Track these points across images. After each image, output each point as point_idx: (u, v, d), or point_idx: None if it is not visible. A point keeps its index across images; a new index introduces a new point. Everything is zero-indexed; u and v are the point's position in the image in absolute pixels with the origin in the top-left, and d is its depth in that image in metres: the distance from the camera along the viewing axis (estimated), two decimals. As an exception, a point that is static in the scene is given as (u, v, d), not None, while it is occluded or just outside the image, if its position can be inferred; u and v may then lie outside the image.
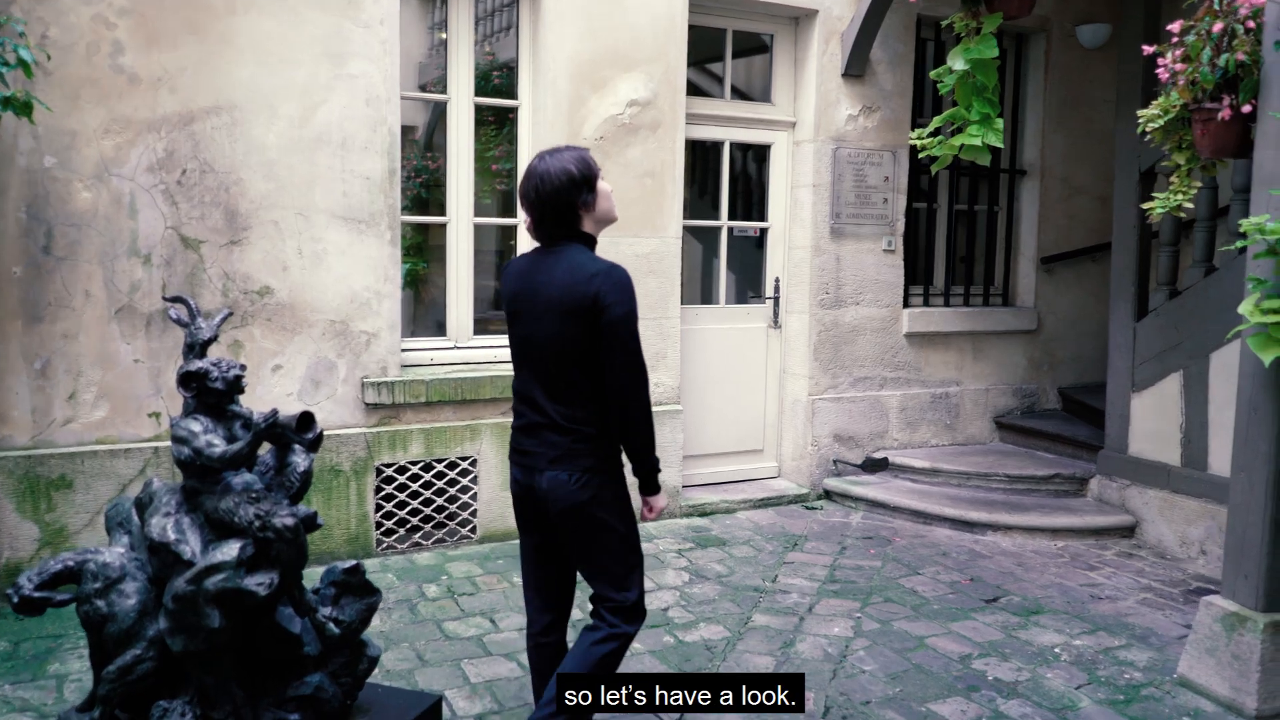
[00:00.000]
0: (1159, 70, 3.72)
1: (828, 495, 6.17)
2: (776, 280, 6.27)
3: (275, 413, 2.59)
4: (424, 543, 5.06)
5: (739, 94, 6.27)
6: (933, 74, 4.70)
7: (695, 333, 6.01)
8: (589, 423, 2.70)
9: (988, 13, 4.58)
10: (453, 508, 5.12)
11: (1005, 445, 6.65)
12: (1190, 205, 3.75)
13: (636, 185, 5.49)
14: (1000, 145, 4.51)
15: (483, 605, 4.35)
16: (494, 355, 5.32)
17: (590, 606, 2.87)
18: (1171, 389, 5.32)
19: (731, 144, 6.10)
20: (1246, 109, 3.43)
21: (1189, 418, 5.22)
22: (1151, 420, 5.44)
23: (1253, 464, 3.48)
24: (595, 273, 2.65)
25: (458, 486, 5.12)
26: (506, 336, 3.13)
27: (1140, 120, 3.82)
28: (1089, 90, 6.92)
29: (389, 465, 4.92)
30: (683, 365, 5.82)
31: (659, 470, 2.82)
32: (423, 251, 5.77)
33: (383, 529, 4.96)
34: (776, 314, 6.27)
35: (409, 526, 5.05)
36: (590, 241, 2.81)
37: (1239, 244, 3.36)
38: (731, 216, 6.20)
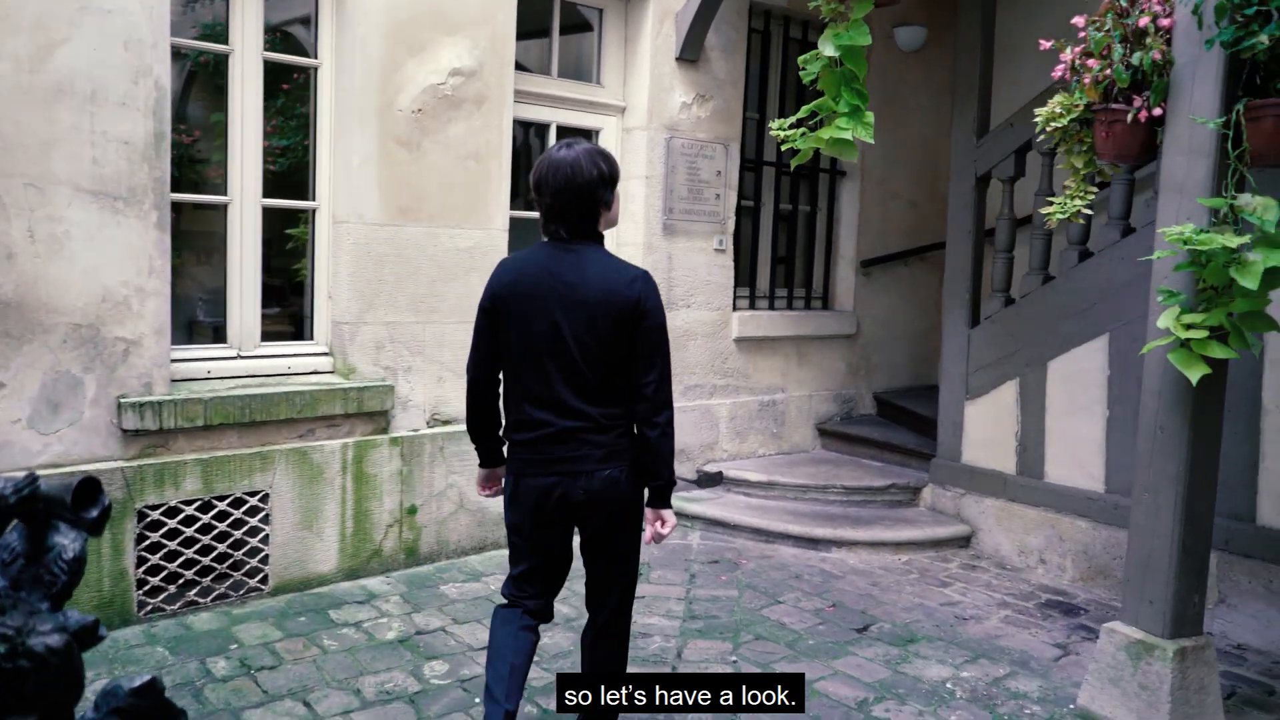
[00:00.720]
0: (1057, 69, 3.51)
1: (660, 514, 5.70)
2: (604, 280, 5.72)
3: (34, 480, 1.71)
4: (202, 600, 4.07)
5: (566, 74, 5.66)
6: (801, 59, 4.31)
7: (519, 338, 5.35)
8: (624, 418, 2.72)
9: (857, -3, 4.26)
10: (239, 555, 4.17)
11: (830, 453, 6.47)
12: (1089, 211, 3.57)
13: (459, 169, 4.75)
14: (870, 140, 4.20)
15: (291, 682, 3.49)
16: (288, 365, 4.40)
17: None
18: (1007, 397, 5.29)
19: (558, 127, 5.47)
20: (1157, 112, 3.27)
21: (1025, 426, 5.20)
22: (986, 428, 5.39)
23: (1159, 485, 3.33)
24: (635, 277, 2.68)
25: (245, 529, 4.17)
26: (475, 337, 2.85)
27: (1038, 118, 3.59)
28: (904, 93, 6.89)
29: (155, 507, 3.90)
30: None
31: (675, 483, 2.85)
32: (176, 239, 4.71)
33: (147, 587, 3.93)
34: (604, 317, 5.72)
35: (182, 582, 4.04)
36: (602, 241, 2.78)
37: (1159, 254, 3.19)
38: (556, 208, 5.58)
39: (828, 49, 4.23)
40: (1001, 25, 5.82)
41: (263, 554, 4.21)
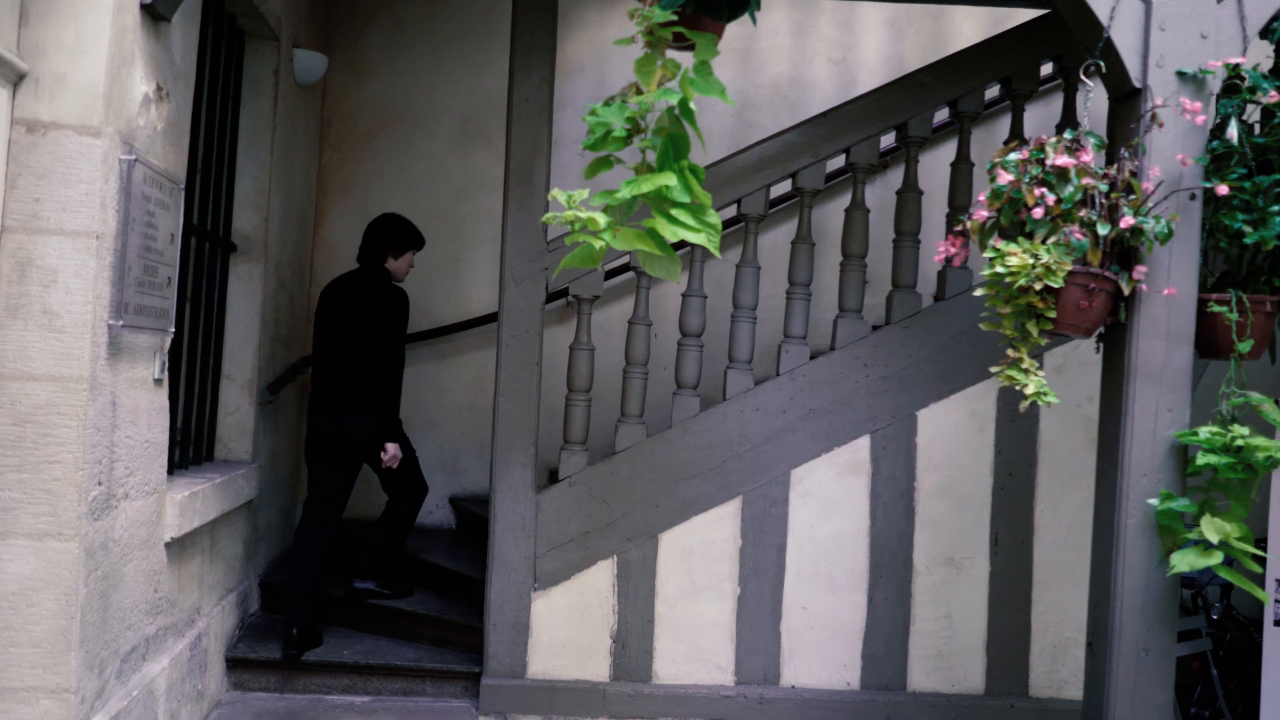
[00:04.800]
0: (1035, 209, 2.77)
1: None
2: (-32, 459, 2.45)
3: None
4: None
5: None
6: (654, 94, 2.53)
7: None
8: None
9: (695, 29, 2.74)
10: None
11: (270, 699, 3.99)
12: (1056, 400, 2.86)
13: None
14: (718, 255, 2.70)
15: None
16: None
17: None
18: (600, 581, 4.04)
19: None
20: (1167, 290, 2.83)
21: (625, 617, 4.04)
22: (567, 626, 4.02)
23: (1145, 715, 2.86)
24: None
25: None
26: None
27: (1003, 269, 2.75)
28: (295, 143, 4.80)
29: None
30: None
31: None
32: None
33: None
34: (-37, 545, 2.44)
35: None
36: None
37: (1203, 460, 2.70)
38: None
39: (669, 97, 2.61)
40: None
41: None
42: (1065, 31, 4.14)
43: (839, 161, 5.07)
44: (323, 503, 4.15)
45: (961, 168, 4.20)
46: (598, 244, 2.55)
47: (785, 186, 4.98)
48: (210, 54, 3.90)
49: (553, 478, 4.56)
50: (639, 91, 2.71)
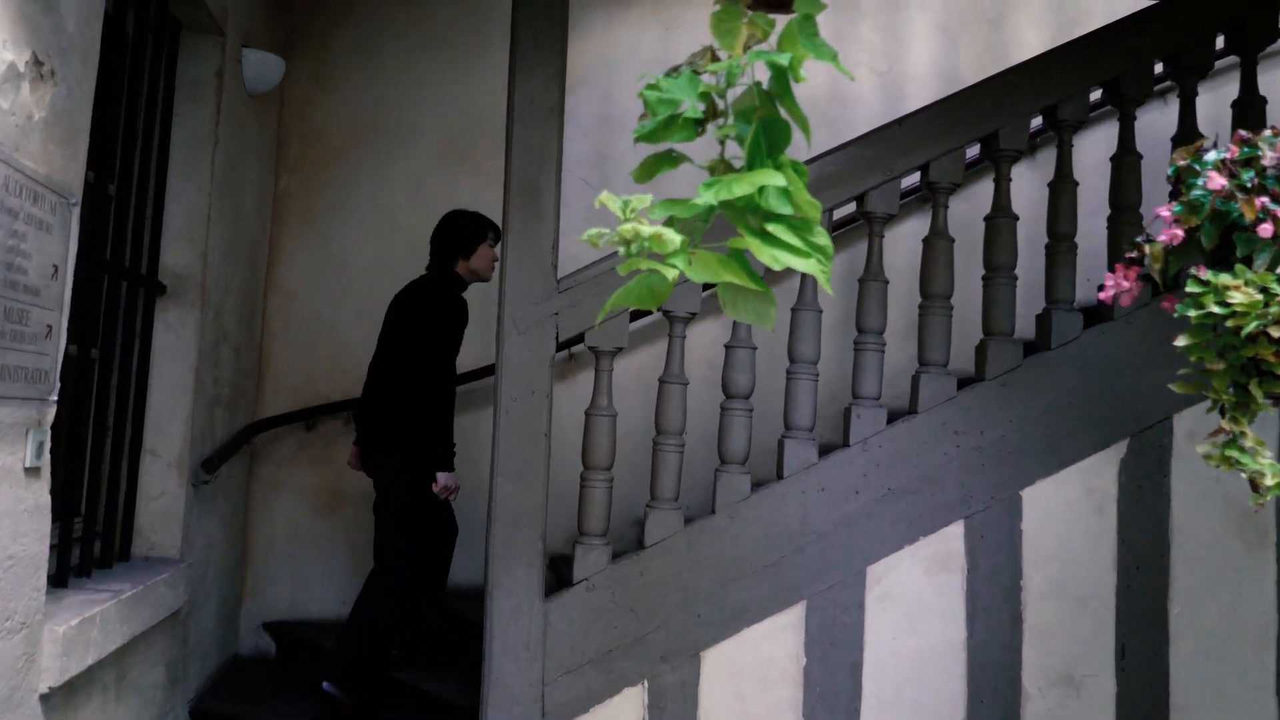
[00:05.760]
0: (1261, 226, 1.99)
1: None
2: None
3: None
4: None
5: None
6: (749, 56, 1.72)
7: None
8: None
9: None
10: None
11: None
12: None
13: None
14: (829, 290, 1.88)
15: None
16: None
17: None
18: (626, 714, 3.15)
19: None
20: None
21: (659, 759, 3.16)
22: (581, 772, 3.13)
23: None
24: None
25: None
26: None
27: (1220, 309, 1.97)
28: (243, 163, 3.96)
29: None
30: None
31: None
32: None
33: None
34: None
35: None
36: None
37: None
38: None
39: (768, 59, 1.79)
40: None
41: None
42: (1182, 24, 3.50)
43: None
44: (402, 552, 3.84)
45: (1064, 187, 3.44)
46: (670, 273, 1.69)
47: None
48: (133, 44, 3.08)
49: (554, 568, 3.72)
50: (715, 58, 1.89)
